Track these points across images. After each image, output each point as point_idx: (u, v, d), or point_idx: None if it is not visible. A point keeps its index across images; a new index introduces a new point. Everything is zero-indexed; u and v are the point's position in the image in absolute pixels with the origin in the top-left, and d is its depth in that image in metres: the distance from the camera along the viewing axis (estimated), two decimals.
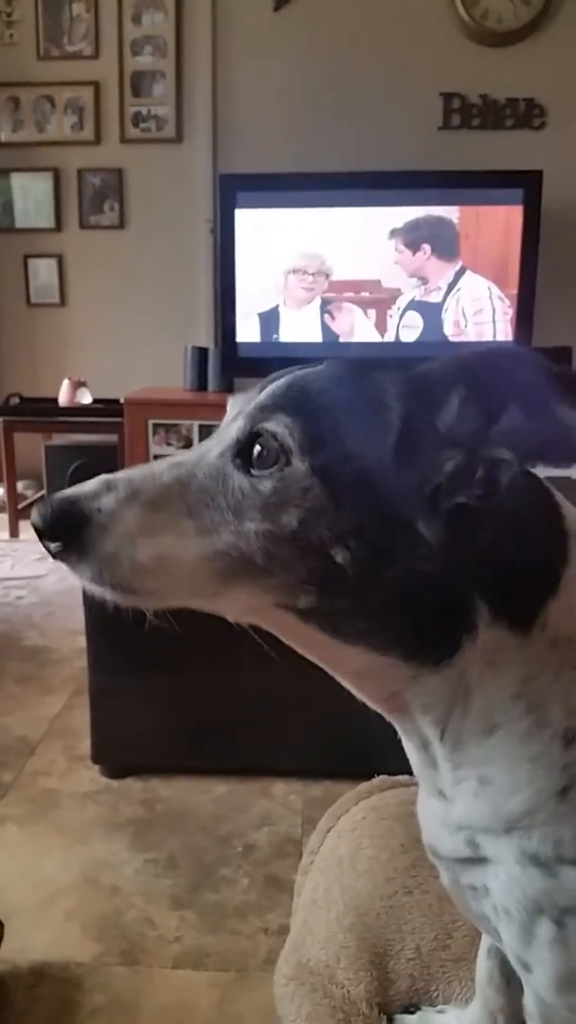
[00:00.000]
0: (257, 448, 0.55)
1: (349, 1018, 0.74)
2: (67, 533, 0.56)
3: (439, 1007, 0.79)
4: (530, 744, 0.56)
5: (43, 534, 0.57)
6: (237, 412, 0.59)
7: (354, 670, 0.60)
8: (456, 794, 0.60)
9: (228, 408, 0.62)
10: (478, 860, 0.60)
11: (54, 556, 0.57)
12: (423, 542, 0.53)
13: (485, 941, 0.75)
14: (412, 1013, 0.79)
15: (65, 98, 4.02)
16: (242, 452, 0.56)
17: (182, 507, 0.56)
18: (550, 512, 0.58)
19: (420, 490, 0.52)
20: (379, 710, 0.62)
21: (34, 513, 0.57)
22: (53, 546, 0.57)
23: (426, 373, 0.55)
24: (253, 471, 0.55)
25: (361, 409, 0.54)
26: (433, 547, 0.53)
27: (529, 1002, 0.62)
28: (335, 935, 0.83)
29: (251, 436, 0.56)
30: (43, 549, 0.58)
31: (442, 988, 0.78)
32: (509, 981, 0.74)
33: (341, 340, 3.74)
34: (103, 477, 0.58)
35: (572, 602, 0.56)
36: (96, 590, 0.57)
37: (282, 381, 0.58)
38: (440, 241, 3.64)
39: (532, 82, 3.80)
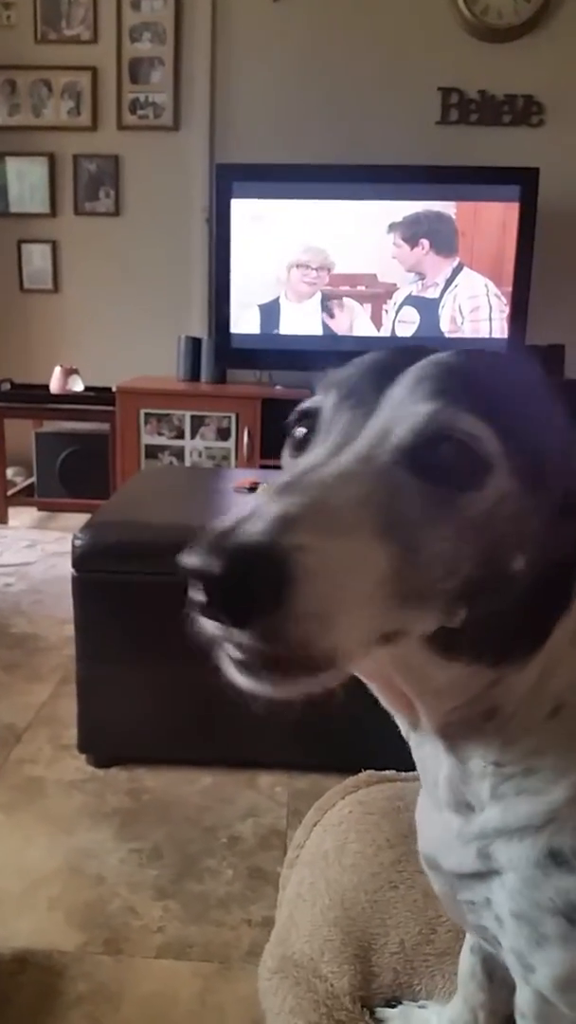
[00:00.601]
0: (442, 452, 0.47)
1: (332, 1012, 0.75)
2: (263, 586, 0.40)
3: (420, 1002, 0.79)
4: None
5: (221, 590, 0.41)
6: (396, 401, 0.50)
7: (436, 688, 0.54)
8: (493, 798, 0.58)
9: (322, 396, 0.52)
10: (485, 874, 0.59)
11: (227, 621, 0.42)
12: (567, 533, 0.50)
13: (469, 937, 0.75)
14: (394, 1007, 0.80)
15: (62, 83, 3.99)
16: (420, 456, 0.47)
17: (372, 528, 0.44)
18: None
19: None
20: (432, 730, 0.57)
21: (196, 556, 0.41)
22: (232, 609, 0.42)
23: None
24: (436, 480, 0.46)
25: (537, 402, 0.50)
26: (565, 537, 0.50)
27: (525, 1002, 0.61)
28: (320, 929, 0.83)
29: (434, 437, 0.47)
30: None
31: (425, 982, 0.79)
32: (491, 978, 0.74)
33: (339, 334, 3.74)
34: (274, 492, 0.44)
35: None
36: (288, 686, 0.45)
37: (437, 370, 0.49)
38: (439, 237, 3.64)
39: (531, 79, 3.80)
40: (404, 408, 0.48)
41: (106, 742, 2.01)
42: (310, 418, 0.54)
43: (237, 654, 0.45)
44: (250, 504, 0.43)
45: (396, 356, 0.53)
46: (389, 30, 3.79)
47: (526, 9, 3.73)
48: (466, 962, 0.76)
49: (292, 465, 0.52)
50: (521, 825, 0.57)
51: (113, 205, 4.08)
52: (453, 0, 3.74)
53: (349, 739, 1.51)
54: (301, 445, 0.53)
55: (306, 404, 0.54)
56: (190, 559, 0.41)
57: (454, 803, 0.61)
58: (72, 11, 3.93)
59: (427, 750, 0.61)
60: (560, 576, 0.52)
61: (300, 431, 0.54)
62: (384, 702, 0.59)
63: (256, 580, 0.40)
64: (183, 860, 1.69)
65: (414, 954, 0.80)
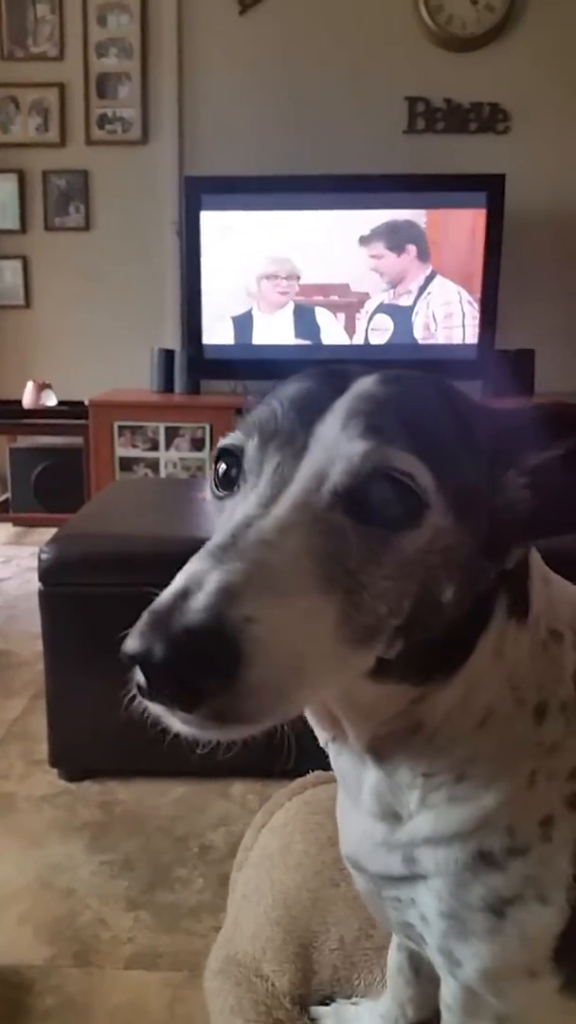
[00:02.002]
0: (378, 491, 0.46)
1: (271, 1011, 0.75)
2: (215, 666, 0.40)
3: (353, 999, 0.80)
4: (511, 726, 0.56)
5: (173, 674, 0.40)
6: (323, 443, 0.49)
7: (364, 707, 0.55)
8: (422, 807, 0.58)
9: (241, 434, 0.51)
10: (411, 878, 0.60)
11: (175, 706, 0.42)
12: (489, 561, 0.52)
13: (396, 936, 0.75)
14: (327, 1005, 0.80)
15: (30, 99, 4.00)
16: (358, 499, 0.46)
17: (314, 584, 0.44)
18: None
19: (511, 517, 0.52)
20: (360, 747, 0.57)
21: (138, 641, 0.40)
22: (180, 692, 0.41)
23: (524, 415, 0.53)
24: (374, 520, 0.46)
25: (466, 435, 0.50)
26: (493, 563, 0.52)
27: (450, 995, 0.62)
28: (263, 928, 0.84)
29: (368, 479, 0.46)
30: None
31: (364, 976, 0.79)
32: (418, 973, 0.75)
33: (311, 344, 3.75)
34: (192, 572, 0.43)
35: (535, 583, 0.57)
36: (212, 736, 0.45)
37: (367, 405, 0.49)
38: (411, 245, 3.67)
39: (496, 87, 3.84)
40: (337, 448, 0.47)
41: (77, 756, 2.00)
42: (233, 456, 0.52)
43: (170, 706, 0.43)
44: (188, 570, 0.42)
45: (319, 385, 0.52)
46: (355, 41, 3.83)
47: (489, 19, 3.78)
48: (393, 959, 0.76)
49: (220, 508, 0.52)
50: (452, 832, 0.57)
51: (83, 220, 4.09)
52: (417, 11, 3.78)
53: (319, 746, 1.51)
54: (226, 483, 0.52)
55: (226, 442, 0.52)
56: (131, 644, 0.40)
57: (380, 813, 0.60)
58: (38, 28, 3.94)
59: (346, 759, 0.61)
60: (482, 598, 0.53)
61: (222, 467, 0.53)
62: (309, 717, 0.59)
63: (204, 663, 0.39)
64: (154, 871, 1.68)
65: (353, 949, 0.80)
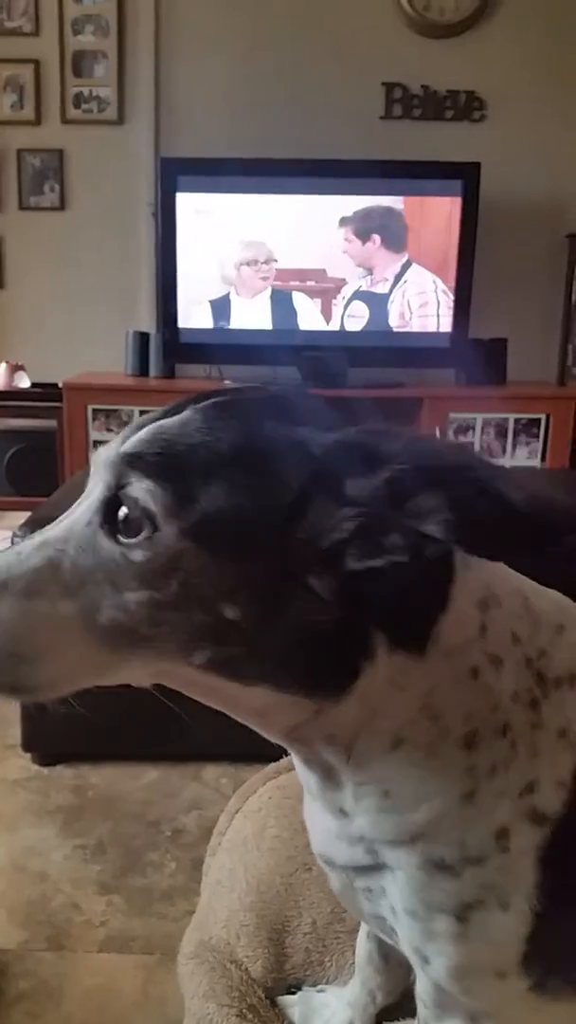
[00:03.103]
0: (123, 512, 0.52)
1: (245, 997, 0.76)
2: None
3: (319, 987, 0.81)
4: (435, 753, 0.57)
5: None
6: (102, 466, 0.56)
7: (254, 709, 0.59)
8: (358, 810, 0.60)
9: (94, 459, 0.57)
10: (376, 867, 0.61)
11: None
12: (316, 595, 0.52)
13: (365, 925, 0.77)
14: (294, 994, 0.82)
15: (5, 76, 3.92)
16: (108, 517, 0.53)
17: (57, 589, 0.53)
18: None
19: (312, 547, 0.51)
20: (283, 743, 0.62)
21: None
22: None
23: (351, 441, 0.51)
24: (121, 538, 0.52)
25: (244, 461, 0.51)
26: (328, 599, 0.52)
27: (423, 990, 0.64)
28: (236, 914, 0.85)
29: (113, 499, 0.53)
30: None
31: (336, 959, 0.81)
32: (387, 960, 0.76)
33: (286, 329, 3.74)
34: None
35: (459, 615, 0.57)
36: None
37: (144, 432, 0.54)
38: (389, 232, 3.67)
39: (473, 75, 3.83)
40: (102, 475, 0.54)
41: (50, 740, 2.01)
42: None
43: None
44: None
45: (143, 421, 0.57)
46: (334, 25, 3.80)
47: (467, 6, 3.77)
48: (363, 948, 0.78)
49: None
50: (389, 839, 0.59)
51: (58, 199, 4.03)
52: None
53: None
54: None
55: None
56: None
57: (329, 807, 0.63)
58: (12, 3, 3.87)
59: (295, 758, 0.64)
60: (342, 629, 0.53)
61: None
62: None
63: None
64: (127, 854, 1.70)
65: (325, 932, 0.82)
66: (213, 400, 0.56)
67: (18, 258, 4.10)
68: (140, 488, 0.51)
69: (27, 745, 1.98)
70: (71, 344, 4.02)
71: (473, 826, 0.57)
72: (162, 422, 0.54)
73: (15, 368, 3.79)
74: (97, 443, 3.52)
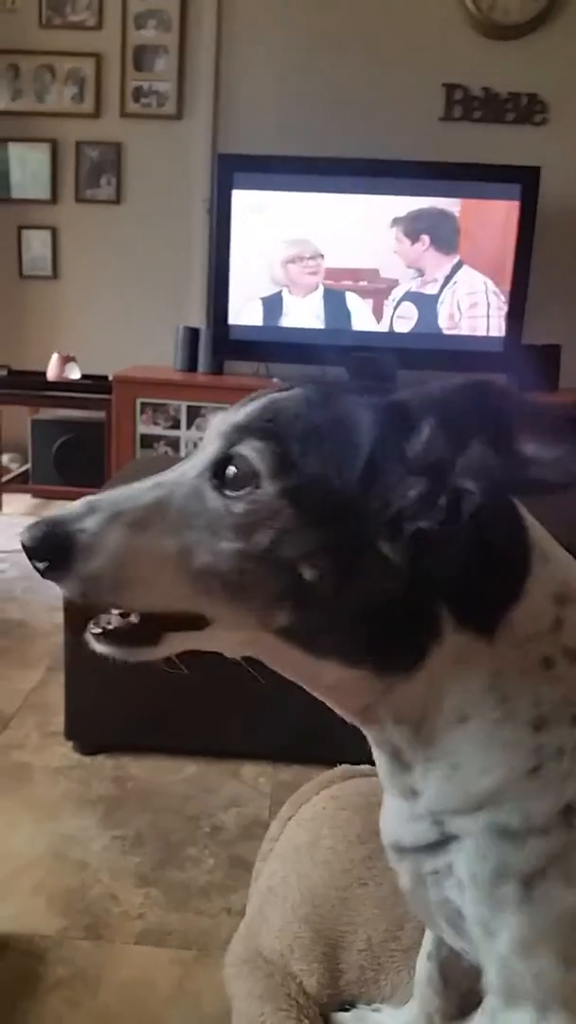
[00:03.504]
0: (231, 470, 0.57)
1: (303, 1008, 0.76)
2: (53, 554, 0.58)
3: (373, 1006, 0.81)
4: (502, 730, 0.59)
5: (30, 555, 0.59)
6: (216, 431, 0.61)
7: (329, 684, 0.62)
8: (426, 784, 0.63)
9: (211, 424, 0.63)
10: (444, 840, 0.63)
11: (42, 575, 0.59)
12: (388, 562, 0.55)
13: (426, 944, 0.77)
14: (348, 1011, 0.82)
15: (66, 68, 3.97)
16: (218, 473, 0.58)
17: (163, 526, 0.58)
18: (515, 524, 0.61)
19: (384, 513, 0.55)
20: (355, 722, 0.65)
21: (23, 533, 0.59)
22: (40, 566, 0.59)
23: (400, 402, 0.57)
24: (227, 492, 0.57)
25: (332, 433, 0.56)
26: (398, 567, 0.55)
27: (492, 975, 0.63)
28: (290, 925, 0.85)
29: (225, 458, 0.58)
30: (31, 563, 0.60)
31: (391, 978, 0.81)
32: (447, 983, 0.76)
33: (336, 329, 3.73)
34: (88, 499, 0.60)
35: (534, 607, 0.59)
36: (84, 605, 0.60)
37: (258, 403, 0.60)
38: (439, 234, 3.64)
39: (535, 77, 3.79)
40: (216, 433, 0.60)
41: (93, 729, 2.03)
42: None
43: (94, 628, 0.62)
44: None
45: (260, 393, 0.63)
46: (395, 24, 3.78)
47: (532, 7, 3.73)
48: (423, 968, 0.78)
49: None
50: (457, 807, 0.61)
51: (114, 193, 4.07)
52: None
53: (332, 731, 1.52)
54: None
55: None
56: (23, 531, 0.59)
57: (400, 791, 0.66)
58: None
59: (372, 744, 0.67)
60: (413, 605, 0.57)
61: None
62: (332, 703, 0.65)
63: (43, 552, 0.58)
64: (165, 848, 1.71)
65: (381, 951, 0.82)
66: (321, 382, 0.62)
67: (72, 250, 4.15)
68: (250, 448, 0.56)
69: (69, 733, 2.01)
70: (122, 337, 4.06)
71: (538, 798, 0.59)
72: (275, 395, 0.60)
73: (66, 359, 3.83)
74: (144, 436, 3.56)
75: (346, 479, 0.55)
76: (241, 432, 0.58)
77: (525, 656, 0.59)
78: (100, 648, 0.62)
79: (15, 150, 4.06)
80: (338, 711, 0.64)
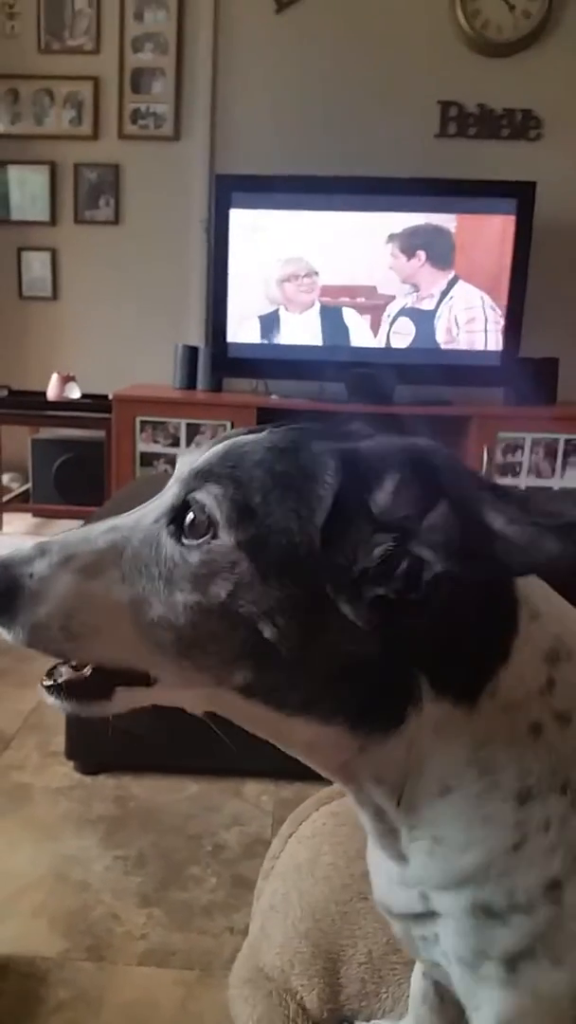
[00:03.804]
0: (189, 516, 0.55)
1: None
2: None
3: (372, 1021, 0.80)
4: (483, 805, 0.56)
5: None
6: (178, 475, 0.59)
7: (303, 741, 0.59)
8: (411, 852, 0.60)
9: (177, 465, 0.60)
10: (429, 914, 0.61)
11: None
12: (352, 624, 0.52)
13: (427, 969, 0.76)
14: None
15: (64, 92, 4.01)
16: (176, 519, 0.56)
17: (116, 573, 0.56)
18: (497, 582, 0.56)
19: (347, 572, 0.51)
20: (334, 780, 0.62)
21: None
22: None
23: (365, 450, 0.54)
24: (184, 540, 0.55)
25: (294, 482, 0.53)
26: (363, 630, 0.52)
27: None
28: (291, 940, 0.84)
29: (183, 504, 0.55)
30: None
31: (392, 990, 0.80)
32: (443, 1000, 0.75)
33: (334, 345, 3.75)
34: (40, 541, 0.58)
35: (522, 669, 0.56)
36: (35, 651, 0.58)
37: (220, 447, 0.57)
38: (435, 249, 3.66)
39: (529, 93, 3.83)
40: (177, 481, 0.58)
41: (93, 749, 2.02)
42: None
43: (46, 680, 0.61)
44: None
45: (225, 436, 0.60)
46: (390, 43, 3.82)
47: (525, 25, 3.77)
48: (418, 985, 0.77)
49: None
50: (439, 883, 0.59)
51: (113, 214, 4.10)
52: (453, 14, 3.77)
53: None
54: None
55: None
56: None
57: (390, 853, 0.63)
58: (76, 21, 3.96)
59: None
60: (383, 668, 0.54)
61: None
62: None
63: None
64: (167, 868, 1.70)
65: (381, 963, 0.81)
66: (289, 425, 0.58)
67: (72, 270, 4.18)
68: (208, 494, 0.54)
69: (70, 753, 2.00)
70: (121, 356, 4.08)
71: (522, 875, 0.55)
72: (239, 439, 0.57)
73: (66, 379, 3.84)
74: (144, 455, 3.57)
75: (307, 532, 0.52)
76: (200, 478, 0.55)
77: (511, 723, 0.55)
78: (50, 701, 0.60)
79: (15, 172, 4.10)
80: (315, 768, 0.61)
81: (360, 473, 0.52)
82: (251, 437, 0.57)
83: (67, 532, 0.59)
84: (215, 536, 0.53)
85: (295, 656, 0.53)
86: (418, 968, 0.76)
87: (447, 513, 0.49)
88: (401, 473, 0.51)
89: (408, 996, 0.78)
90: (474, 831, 0.56)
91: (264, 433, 0.57)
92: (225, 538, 0.53)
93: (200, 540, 0.53)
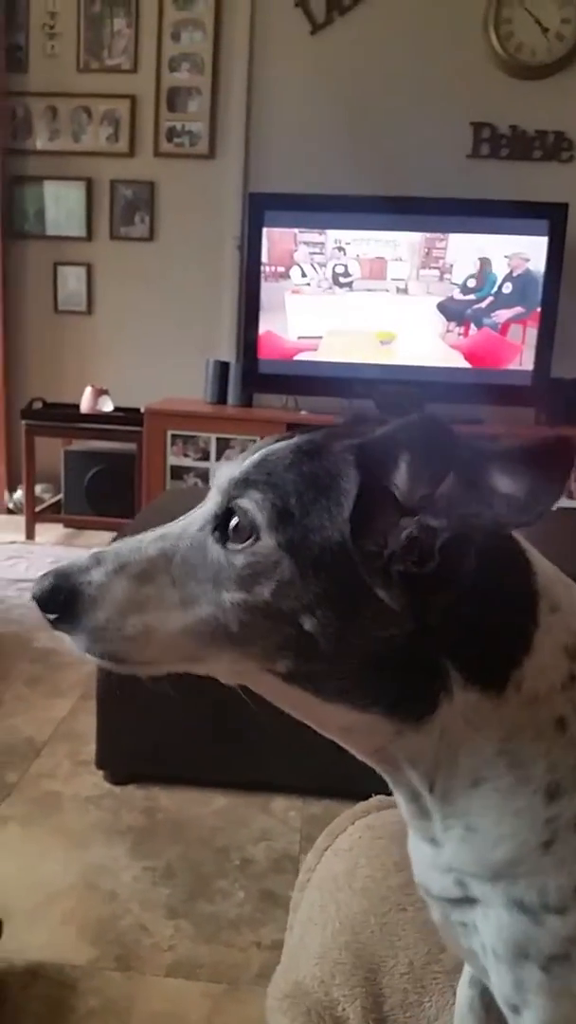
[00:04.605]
0: (233, 522, 0.58)
1: None
2: (61, 606, 0.60)
3: None
4: (514, 798, 0.57)
5: (40, 607, 0.61)
6: (218, 485, 0.62)
7: (340, 726, 0.61)
8: (445, 839, 0.61)
9: (215, 477, 0.63)
10: (467, 900, 0.62)
11: (52, 627, 0.61)
12: (387, 609, 0.54)
13: (467, 970, 0.76)
14: None
15: (102, 110, 4.09)
16: (220, 526, 0.59)
17: (166, 579, 0.60)
18: (519, 571, 0.59)
19: (379, 557, 0.54)
20: (369, 763, 0.64)
21: (34, 586, 0.61)
22: (49, 617, 0.60)
23: (377, 439, 0.57)
24: (229, 544, 0.58)
25: (322, 482, 0.57)
26: (397, 613, 0.54)
27: None
28: (330, 952, 0.85)
29: (226, 511, 0.59)
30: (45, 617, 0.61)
31: (435, 999, 0.80)
32: (488, 1010, 0.75)
33: (364, 363, 3.76)
34: (94, 551, 0.62)
35: (545, 661, 0.57)
36: (91, 659, 0.61)
37: (255, 457, 0.61)
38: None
39: (562, 116, 3.85)
40: (219, 491, 0.61)
41: (123, 759, 2.04)
42: None
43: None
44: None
45: (260, 445, 0.63)
46: (424, 65, 3.85)
47: (559, 48, 3.79)
48: (463, 994, 0.77)
49: None
50: (473, 871, 0.60)
51: (147, 230, 4.16)
52: (487, 37, 3.80)
53: (363, 766, 1.52)
54: None
55: None
56: (34, 584, 0.61)
57: (423, 835, 0.65)
58: (114, 42, 4.03)
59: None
60: (416, 656, 0.56)
61: None
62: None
63: (52, 604, 0.60)
64: (195, 880, 1.70)
65: (423, 973, 0.81)
66: (316, 431, 0.63)
67: (106, 286, 4.23)
68: (250, 501, 0.57)
69: (100, 762, 2.01)
70: (154, 370, 4.12)
71: (554, 875, 0.56)
72: (271, 447, 0.61)
73: (99, 392, 3.89)
74: (174, 468, 3.60)
75: (339, 526, 0.55)
76: (240, 486, 0.58)
77: (537, 717, 0.57)
78: (91, 658, 0.63)
79: (51, 188, 4.17)
80: (351, 751, 0.63)
81: (377, 462, 0.55)
82: (281, 444, 0.61)
83: (118, 542, 0.63)
84: (258, 539, 0.57)
85: (334, 646, 0.56)
86: (464, 977, 0.76)
87: (455, 483, 0.52)
88: (411, 452, 0.54)
89: (451, 1005, 0.78)
90: (505, 824, 0.58)
91: (292, 440, 0.61)
92: (267, 540, 0.56)
93: (244, 544, 0.57)
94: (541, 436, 0.50)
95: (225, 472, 0.62)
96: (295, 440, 0.61)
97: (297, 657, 0.57)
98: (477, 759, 0.58)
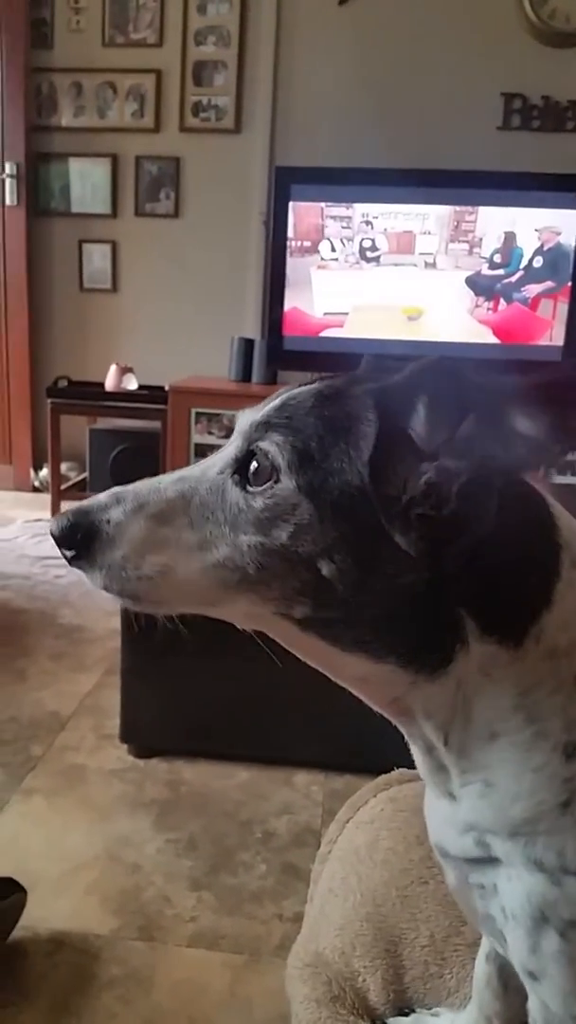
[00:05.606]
0: (253, 465, 0.58)
1: (361, 1017, 0.75)
2: (79, 543, 0.60)
3: (433, 1010, 0.80)
4: (532, 754, 0.56)
5: (58, 543, 0.61)
6: (239, 429, 0.62)
7: (355, 676, 0.61)
8: (463, 795, 0.61)
9: (237, 422, 0.63)
10: (488, 860, 0.61)
11: (69, 563, 0.61)
12: (404, 555, 0.54)
13: (484, 945, 0.75)
14: (407, 1015, 0.81)
15: (127, 85, 4.06)
16: (240, 469, 0.59)
17: (184, 520, 0.60)
18: (542, 523, 0.58)
19: (397, 502, 0.54)
20: (385, 714, 0.63)
21: (52, 523, 0.62)
22: (67, 554, 0.61)
23: (396, 382, 0.57)
24: (249, 487, 0.58)
25: (341, 425, 0.56)
26: (414, 559, 0.54)
27: (534, 1009, 0.62)
28: (351, 923, 0.85)
29: (247, 454, 0.59)
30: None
31: (456, 971, 0.80)
32: (507, 986, 0.75)
33: (390, 339, 3.73)
34: (114, 490, 0.62)
35: (566, 615, 0.56)
36: (107, 596, 0.61)
37: (277, 400, 0.61)
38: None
39: None
40: (238, 432, 0.61)
41: (147, 733, 2.05)
42: None
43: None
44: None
45: (281, 392, 0.63)
46: (453, 34, 3.78)
47: None
48: (481, 970, 0.76)
49: None
50: (494, 828, 0.59)
51: (173, 207, 4.13)
52: (519, 4, 3.71)
53: (384, 741, 1.51)
54: None
55: None
56: (52, 520, 0.62)
57: (440, 790, 0.64)
58: (139, 15, 3.99)
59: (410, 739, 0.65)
60: (433, 605, 0.56)
61: None
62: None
63: (71, 540, 0.60)
64: (218, 852, 1.71)
65: (444, 946, 0.81)
66: (337, 376, 0.62)
67: (132, 263, 4.22)
68: (271, 444, 0.57)
69: (124, 737, 2.03)
70: (178, 348, 4.11)
71: (572, 837, 0.56)
72: (291, 391, 0.61)
73: (124, 370, 3.89)
74: (199, 446, 3.60)
75: (358, 470, 0.55)
76: (261, 429, 0.58)
77: (557, 671, 0.56)
78: (108, 595, 0.63)
79: (76, 165, 4.16)
80: (366, 701, 0.63)
81: (395, 405, 0.55)
82: (302, 389, 0.61)
83: (139, 482, 0.63)
84: (277, 481, 0.56)
85: (351, 593, 0.56)
86: (482, 952, 0.75)
87: (473, 425, 0.51)
88: (429, 395, 0.53)
89: (472, 978, 0.77)
90: (524, 781, 0.57)
91: (313, 385, 0.61)
92: (287, 482, 0.56)
93: (263, 486, 0.57)
94: (559, 372, 0.49)
95: (247, 416, 0.62)
96: (316, 385, 0.60)
97: (314, 603, 0.57)
98: (493, 712, 0.57)
